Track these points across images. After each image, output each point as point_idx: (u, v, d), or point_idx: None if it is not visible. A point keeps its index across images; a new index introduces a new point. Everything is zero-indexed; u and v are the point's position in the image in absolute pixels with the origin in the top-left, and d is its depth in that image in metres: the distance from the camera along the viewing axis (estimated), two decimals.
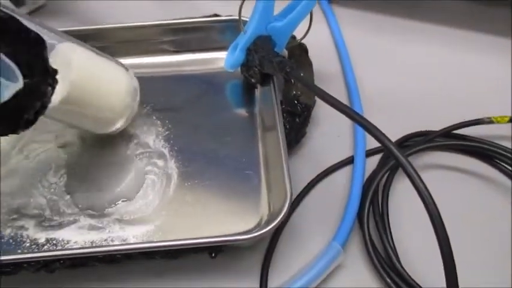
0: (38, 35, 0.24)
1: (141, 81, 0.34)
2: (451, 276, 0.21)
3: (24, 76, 0.23)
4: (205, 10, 0.43)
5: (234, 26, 0.38)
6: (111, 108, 0.31)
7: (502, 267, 0.30)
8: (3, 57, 0.21)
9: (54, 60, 0.26)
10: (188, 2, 0.48)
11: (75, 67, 0.28)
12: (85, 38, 0.37)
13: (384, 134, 0.24)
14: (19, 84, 0.22)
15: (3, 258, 0.24)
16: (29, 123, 0.25)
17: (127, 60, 0.39)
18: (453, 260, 0.21)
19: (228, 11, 0.40)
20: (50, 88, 0.25)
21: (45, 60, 0.25)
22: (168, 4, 0.48)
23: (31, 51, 0.24)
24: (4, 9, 0.23)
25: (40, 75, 0.24)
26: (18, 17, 0.24)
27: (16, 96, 0.23)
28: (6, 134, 0.25)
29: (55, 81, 0.25)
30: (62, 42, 0.29)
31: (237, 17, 0.35)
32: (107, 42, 0.38)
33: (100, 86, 0.30)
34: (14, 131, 0.24)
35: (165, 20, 0.40)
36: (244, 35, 0.34)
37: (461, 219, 0.31)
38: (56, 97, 0.27)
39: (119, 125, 0.32)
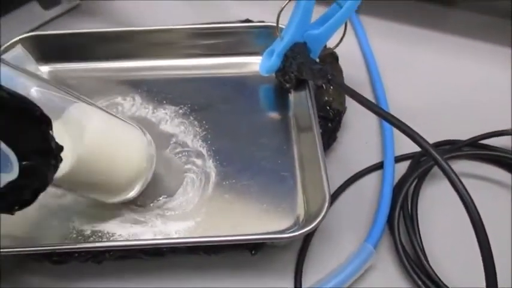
0: (42, 113, 0.21)
1: (177, 82, 0.34)
2: (491, 281, 0.22)
3: (23, 158, 0.21)
4: (234, 12, 0.44)
5: (266, 32, 0.39)
6: (123, 179, 0.28)
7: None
8: (1, 145, 0.19)
9: (65, 124, 0.24)
10: (218, 4, 0.49)
11: (86, 138, 0.26)
12: (118, 38, 0.39)
13: (421, 136, 0.25)
14: (13, 174, 0.20)
15: (58, 247, 0.26)
16: (27, 203, 0.23)
17: (163, 62, 0.40)
18: (493, 264, 0.22)
19: (258, 17, 0.41)
20: (52, 169, 0.23)
21: (48, 140, 0.22)
22: (199, 7, 0.49)
23: (35, 131, 0.22)
24: (7, 88, 0.20)
25: (42, 157, 0.22)
26: (21, 94, 0.21)
27: (10, 182, 0.21)
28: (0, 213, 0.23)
29: (59, 161, 0.23)
30: (75, 103, 0.27)
31: (270, 23, 0.37)
32: (141, 43, 0.40)
33: (112, 156, 0.27)
34: (10, 211, 0.22)
35: (200, 24, 0.41)
36: (281, 41, 0.35)
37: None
38: (59, 172, 0.24)
39: (129, 195, 0.29)
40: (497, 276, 0.21)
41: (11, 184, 0.20)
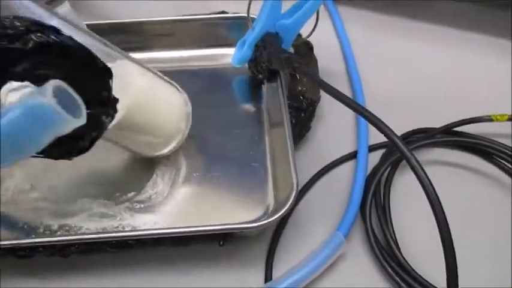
0: (105, 65, 0.23)
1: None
2: (451, 264, 0.22)
3: (87, 106, 0.22)
4: (214, 8, 0.44)
5: (241, 23, 0.39)
6: (163, 134, 0.31)
7: (500, 263, 0.31)
8: (71, 92, 0.20)
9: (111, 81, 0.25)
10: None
11: (133, 93, 0.27)
12: (95, 32, 0.39)
13: (389, 128, 0.25)
14: (82, 120, 0.21)
15: (22, 241, 0.25)
16: (84, 150, 0.24)
17: (136, 55, 0.40)
18: (453, 248, 0.22)
19: (235, 9, 0.41)
20: (110, 118, 0.24)
21: (109, 91, 0.24)
22: (178, 1, 0.49)
23: (97, 81, 0.23)
24: (75, 40, 0.22)
25: (102, 106, 0.24)
26: (86, 45, 0.23)
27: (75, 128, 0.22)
28: (58, 158, 0.24)
29: (115, 111, 0.25)
30: (120, 60, 0.29)
31: (245, 14, 0.36)
32: (113, 36, 0.39)
33: (155, 112, 0.29)
34: (68, 157, 0.24)
35: (174, 17, 0.41)
36: (253, 32, 0.35)
37: (460, 214, 0.33)
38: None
39: (167, 150, 0.31)
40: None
41: (74, 131, 0.20)
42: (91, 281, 0.29)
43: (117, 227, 0.29)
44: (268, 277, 0.30)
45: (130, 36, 0.40)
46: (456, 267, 0.22)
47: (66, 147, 0.23)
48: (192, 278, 0.30)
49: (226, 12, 0.42)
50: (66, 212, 0.30)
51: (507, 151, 0.34)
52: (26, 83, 0.20)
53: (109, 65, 0.24)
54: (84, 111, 0.21)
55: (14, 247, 0.27)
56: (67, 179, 0.32)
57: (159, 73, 0.31)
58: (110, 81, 0.24)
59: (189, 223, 0.30)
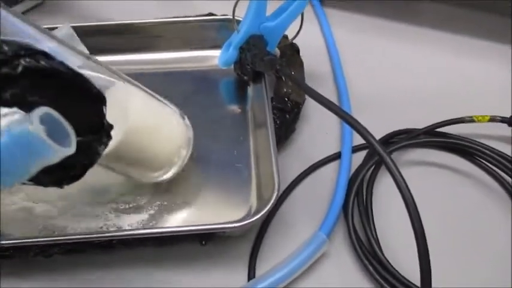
0: (98, 91, 0.23)
1: (136, 78, 0.34)
2: (424, 260, 0.22)
3: (78, 134, 0.21)
4: (202, 9, 0.44)
5: (227, 25, 0.39)
6: (161, 162, 0.29)
7: (480, 262, 0.31)
8: (61, 119, 0.20)
9: (108, 103, 0.24)
10: (184, 1, 0.49)
11: (131, 118, 0.26)
12: (84, 33, 0.39)
13: (366, 129, 0.25)
14: (71, 149, 0.20)
15: (3, 242, 0.26)
16: (75, 178, 0.23)
17: (122, 57, 0.40)
18: (426, 242, 0.22)
19: (223, 11, 0.41)
20: (103, 146, 0.24)
21: (103, 118, 0.23)
22: (164, 3, 0.49)
23: (89, 108, 0.22)
24: (67, 65, 0.21)
25: (94, 134, 0.23)
26: (81, 71, 0.22)
27: (66, 157, 0.21)
28: (49, 186, 0.23)
29: (109, 139, 0.24)
30: (117, 82, 0.28)
31: (229, 17, 0.37)
32: (100, 38, 0.39)
33: (153, 138, 0.28)
34: (59, 185, 0.23)
35: (161, 18, 0.41)
36: (238, 34, 0.36)
37: (443, 214, 0.33)
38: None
39: (166, 176, 0.30)
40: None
41: (65, 159, 0.20)
42: (74, 281, 0.30)
43: (102, 227, 0.30)
44: (251, 277, 0.30)
45: (118, 38, 0.40)
46: (429, 267, 0.22)
47: (56, 175, 0.22)
48: (176, 277, 0.30)
49: (214, 14, 0.42)
50: (51, 213, 0.30)
51: (488, 151, 0.35)
52: (15, 109, 0.19)
53: (108, 88, 0.24)
54: (73, 140, 0.20)
55: None
56: None
57: (161, 98, 0.30)
58: (104, 107, 0.23)
59: (172, 223, 0.30)
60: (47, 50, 0.21)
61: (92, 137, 0.23)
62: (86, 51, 0.29)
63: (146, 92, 0.30)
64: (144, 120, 0.28)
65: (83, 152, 0.22)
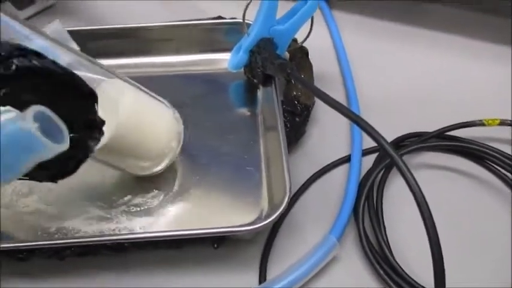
0: (90, 88, 0.23)
1: (145, 81, 0.35)
2: (438, 264, 0.22)
3: (71, 130, 0.21)
4: (210, 12, 0.44)
5: (237, 29, 0.39)
6: (152, 155, 0.30)
7: (493, 265, 0.31)
8: (54, 117, 0.20)
9: (100, 99, 0.24)
10: (193, 4, 0.49)
11: (122, 112, 0.27)
12: (89, 36, 0.39)
13: (377, 132, 0.25)
14: (64, 146, 0.20)
15: (20, 244, 0.26)
16: (68, 173, 0.24)
17: (132, 60, 0.41)
18: (440, 249, 0.22)
19: (232, 14, 0.41)
20: (95, 141, 0.24)
21: (94, 114, 0.24)
22: (174, 6, 0.49)
23: (81, 105, 0.23)
24: (59, 64, 0.22)
25: (87, 129, 0.24)
26: (73, 70, 0.23)
27: (59, 153, 0.21)
28: (43, 181, 0.24)
29: (101, 134, 0.25)
30: (109, 79, 0.28)
31: (241, 20, 0.37)
32: (111, 42, 0.40)
33: (144, 132, 0.29)
34: (52, 180, 0.24)
35: (170, 22, 0.41)
36: (248, 37, 0.36)
37: (453, 217, 0.33)
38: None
39: (157, 169, 0.31)
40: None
41: (59, 155, 0.20)
42: (87, 283, 0.30)
43: (114, 230, 0.30)
44: (262, 280, 0.30)
45: (128, 41, 0.40)
46: (443, 270, 0.22)
47: (50, 170, 0.23)
48: (187, 280, 0.30)
49: (223, 18, 0.42)
50: (64, 215, 0.30)
51: (498, 155, 0.35)
52: (8, 107, 0.20)
53: (99, 84, 0.25)
54: (66, 137, 0.21)
55: (12, 250, 0.28)
56: (64, 183, 0.32)
57: (151, 92, 0.31)
58: (95, 104, 0.24)
59: (184, 226, 0.30)
60: (33, 47, 0.21)
61: (84, 133, 0.24)
62: (77, 48, 0.29)
63: (137, 87, 0.30)
64: (135, 114, 0.28)
65: (76, 147, 0.22)
